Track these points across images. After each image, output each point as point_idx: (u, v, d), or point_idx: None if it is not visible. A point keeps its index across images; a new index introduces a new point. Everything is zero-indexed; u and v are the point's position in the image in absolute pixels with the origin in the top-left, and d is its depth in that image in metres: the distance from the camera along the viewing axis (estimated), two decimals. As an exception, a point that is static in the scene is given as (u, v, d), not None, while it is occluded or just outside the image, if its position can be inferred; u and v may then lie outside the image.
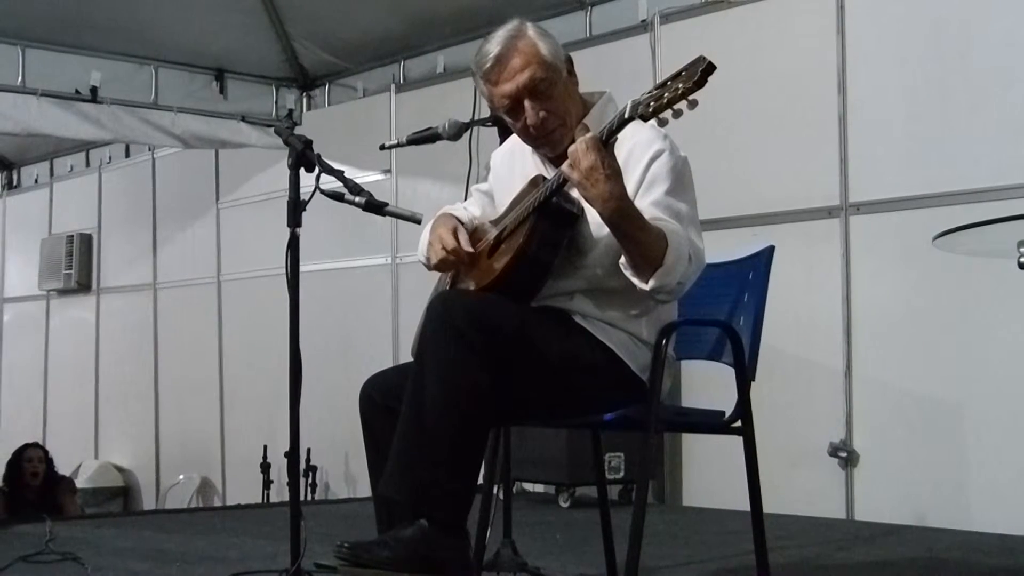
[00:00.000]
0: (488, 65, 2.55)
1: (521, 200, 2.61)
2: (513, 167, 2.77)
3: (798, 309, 4.92)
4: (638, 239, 2.36)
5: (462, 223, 2.73)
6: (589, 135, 2.31)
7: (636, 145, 2.51)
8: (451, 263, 2.67)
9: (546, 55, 2.54)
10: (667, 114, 2.21)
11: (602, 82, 2.72)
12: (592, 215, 2.48)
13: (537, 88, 2.53)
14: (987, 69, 4.63)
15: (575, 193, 2.48)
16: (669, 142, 2.54)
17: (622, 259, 2.43)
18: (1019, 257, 2.39)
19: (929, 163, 4.78)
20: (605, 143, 2.31)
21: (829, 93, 5.06)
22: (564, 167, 2.36)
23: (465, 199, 2.99)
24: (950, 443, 4.65)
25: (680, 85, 2.18)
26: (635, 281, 2.42)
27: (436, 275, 2.91)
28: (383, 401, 2.55)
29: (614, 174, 2.31)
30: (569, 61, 2.62)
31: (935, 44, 4.80)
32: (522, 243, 2.50)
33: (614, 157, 2.34)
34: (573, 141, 2.35)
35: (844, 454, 4.92)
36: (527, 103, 2.54)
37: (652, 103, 2.22)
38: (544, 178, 2.58)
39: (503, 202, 2.74)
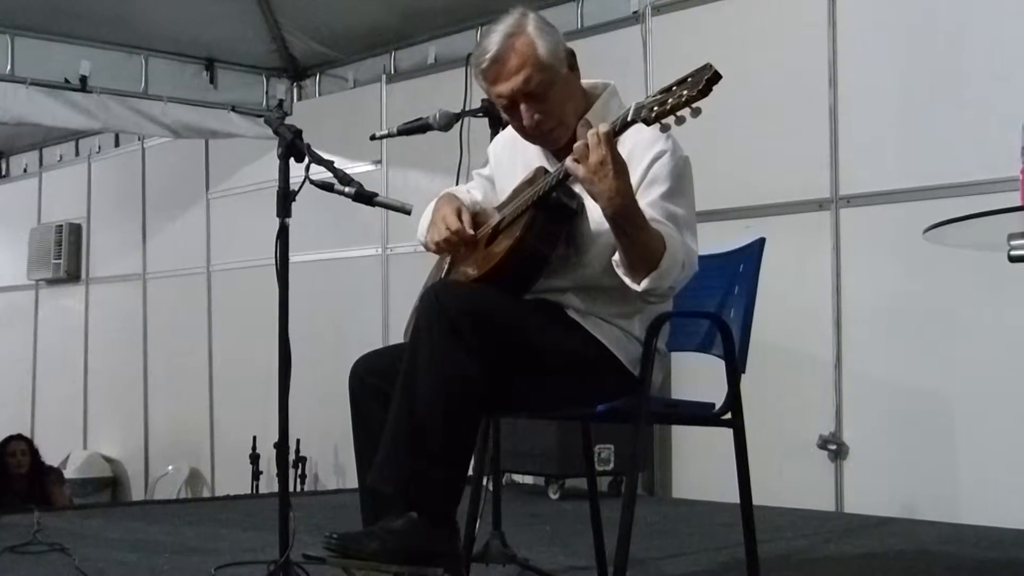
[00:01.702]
0: (484, 65, 2.53)
1: (522, 191, 2.59)
2: (515, 155, 2.74)
3: (788, 301, 4.91)
4: (637, 239, 2.34)
5: (464, 206, 2.72)
6: (602, 128, 2.28)
7: (638, 144, 2.49)
8: (453, 244, 2.65)
9: (543, 55, 2.50)
10: (670, 120, 2.20)
11: (593, 74, 2.71)
12: (592, 212, 2.46)
13: (532, 91, 2.51)
14: (977, 62, 4.62)
15: (576, 188, 2.47)
16: (672, 142, 2.51)
17: (615, 256, 2.41)
18: (1009, 250, 2.38)
19: (920, 156, 4.78)
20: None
21: (820, 86, 5.06)
22: (568, 162, 2.33)
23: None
24: (939, 436, 4.66)
25: (685, 92, 2.16)
26: (627, 281, 2.41)
27: (430, 265, 2.90)
28: (374, 381, 2.54)
29: (621, 171, 2.29)
30: (571, 55, 2.58)
31: (926, 37, 4.79)
32: (519, 235, 2.49)
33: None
34: (574, 138, 2.33)
35: (834, 447, 4.93)
36: (522, 105, 2.53)
37: (656, 107, 2.20)
38: (546, 171, 2.56)
39: (504, 189, 2.72)
